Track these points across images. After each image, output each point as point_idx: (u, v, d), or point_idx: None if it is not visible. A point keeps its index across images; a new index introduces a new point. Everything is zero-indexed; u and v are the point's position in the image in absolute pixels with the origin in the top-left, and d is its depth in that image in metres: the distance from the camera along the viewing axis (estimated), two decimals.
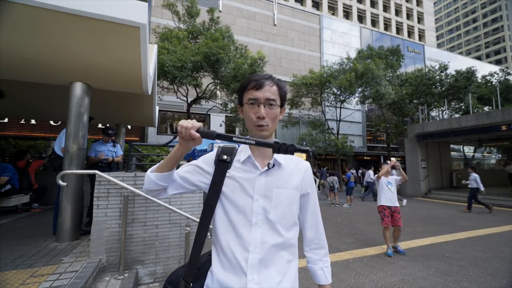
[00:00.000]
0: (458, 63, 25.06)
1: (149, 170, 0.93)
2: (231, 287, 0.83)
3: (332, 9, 29.56)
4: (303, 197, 0.98)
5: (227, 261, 0.86)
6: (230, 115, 13.81)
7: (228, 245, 0.86)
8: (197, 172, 0.95)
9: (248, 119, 0.91)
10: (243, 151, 0.95)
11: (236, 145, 0.90)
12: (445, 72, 17.15)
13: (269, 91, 0.90)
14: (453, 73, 17.01)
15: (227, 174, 0.92)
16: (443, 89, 16.96)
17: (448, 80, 16.79)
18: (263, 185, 0.90)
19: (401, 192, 14.93)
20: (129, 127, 13.42)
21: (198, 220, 3.05)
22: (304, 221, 1.01)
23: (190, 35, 12.32)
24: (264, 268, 0.85)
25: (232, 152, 0.95)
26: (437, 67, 17.45)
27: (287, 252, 0.90)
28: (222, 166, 0.92)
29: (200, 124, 0.80)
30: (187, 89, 12.69)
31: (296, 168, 0.98)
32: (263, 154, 0.95)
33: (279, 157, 0.94)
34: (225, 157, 0.92)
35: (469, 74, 16.34)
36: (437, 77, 16.88)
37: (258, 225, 0.87)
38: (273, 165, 0.93)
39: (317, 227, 1.01)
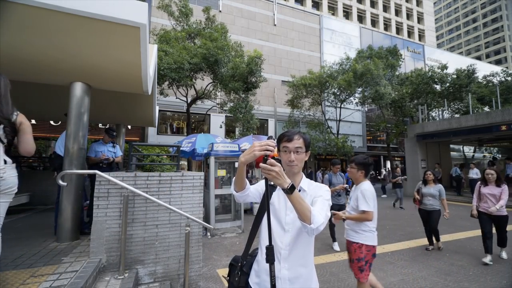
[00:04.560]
0: (458, 63, 25.02)
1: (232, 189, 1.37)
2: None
3: (332, 9, 29.55)
4: (314, 199, 1.31)
5: None
6: (230, 115, 13.79)
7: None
8: (259, 192, 1.38)
9: (283, 160, 1.30)
10: None
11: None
12: (445, 70, 17.14)
13: (297, 143, 1.29)
14: (454, 72, 17.01)
15: (273, 195, 1.32)
16: (444, 87, 16.93)
17: (449, 78, 16.77)
18: None
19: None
20: (129, 127, 13.40)
21: (198, 220, 3.06)
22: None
23: (188, 36, 12.31)
24: (291, 259, 1.24)
25: None
26: (436, 67, 17.45)
27: (306, 248, 1.28)
28: (271, 189, 1.30)
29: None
30: (187, 90, 12.68)
31: (314, 190, 1.33)
32: (294, 182, 1.26)
33: (304, 184, 1.34)
34: (272, 183, 1.29)
35: (470, 72, 16.33)
36: (438, 75, 16.86)
37: (289, 231, 1.26)
38: (299, 190, 1.31)
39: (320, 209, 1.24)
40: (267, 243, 1.13)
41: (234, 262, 1.43)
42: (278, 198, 1.32)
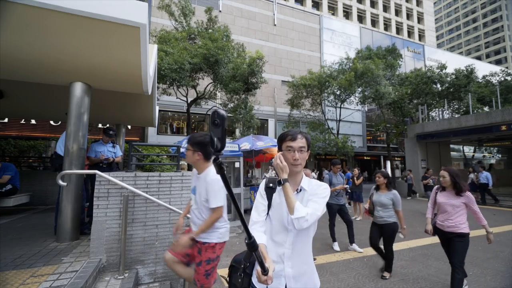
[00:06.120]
0: (459, 63, 25.03)
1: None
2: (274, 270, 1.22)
3: (332, 9, 29.56)
4: (310, 197, 1.36)
5: (271, 253, 1.27)
6: (230, 115, 13.79)
7: (272, 243, 1.31)
8: (261, 204, 1.37)
9: (287, 159, 1.31)
10: None
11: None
12: (444, 70, 17.14)
13: (301, 142, 1.32)
14: (453, 72, 17.01)
15: (273, 196, 1.35)
16: (443, 87, 16.93)
17: (448, 79, 16.78)
18: None
19: (401, 192, 14.95)
20: (129, 127, 13.40)
21: None
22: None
23: (188, 36, 12.33)
24: (294, 257, 1.29)
25: (275, 181, 1.37)
26: (435, 67, 17.45)
27: (306, 246, 1.33)
28: (269, 191, 1.36)
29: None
30: (187, 90, 12.70)
31: (313, 188, 1.36)
32: (294, 182, 1.36)
33: (305, 184, 1.36)
34: (271, 185, 1.37)
35: (468, 72, 16.32)
36: (437, 75, 16.87)
37: (291, 231, 1.28)
38: (300, 190, 1.35)
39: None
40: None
41: (235, 263, 1.46)
42: (279, 198, 1.34)
